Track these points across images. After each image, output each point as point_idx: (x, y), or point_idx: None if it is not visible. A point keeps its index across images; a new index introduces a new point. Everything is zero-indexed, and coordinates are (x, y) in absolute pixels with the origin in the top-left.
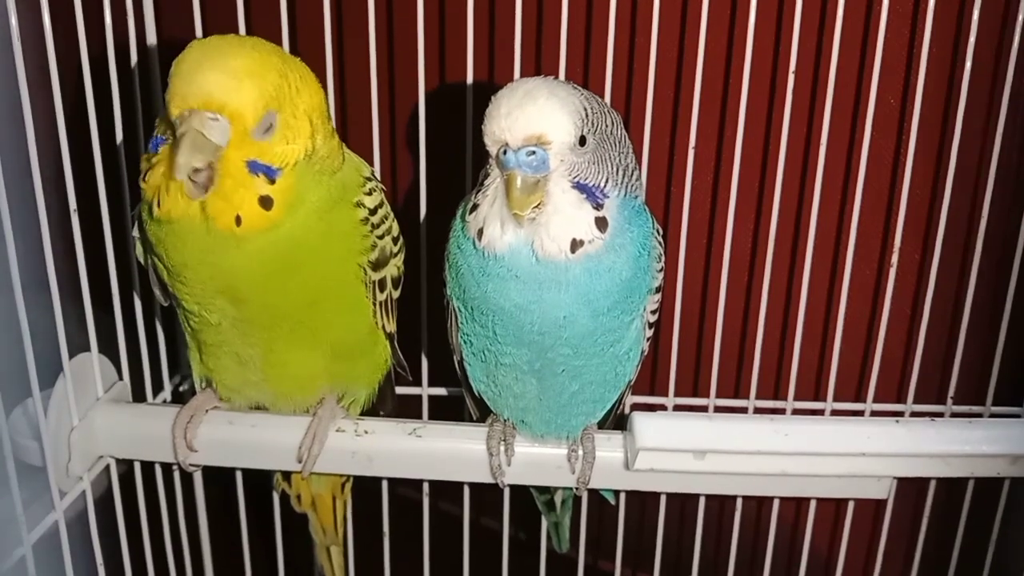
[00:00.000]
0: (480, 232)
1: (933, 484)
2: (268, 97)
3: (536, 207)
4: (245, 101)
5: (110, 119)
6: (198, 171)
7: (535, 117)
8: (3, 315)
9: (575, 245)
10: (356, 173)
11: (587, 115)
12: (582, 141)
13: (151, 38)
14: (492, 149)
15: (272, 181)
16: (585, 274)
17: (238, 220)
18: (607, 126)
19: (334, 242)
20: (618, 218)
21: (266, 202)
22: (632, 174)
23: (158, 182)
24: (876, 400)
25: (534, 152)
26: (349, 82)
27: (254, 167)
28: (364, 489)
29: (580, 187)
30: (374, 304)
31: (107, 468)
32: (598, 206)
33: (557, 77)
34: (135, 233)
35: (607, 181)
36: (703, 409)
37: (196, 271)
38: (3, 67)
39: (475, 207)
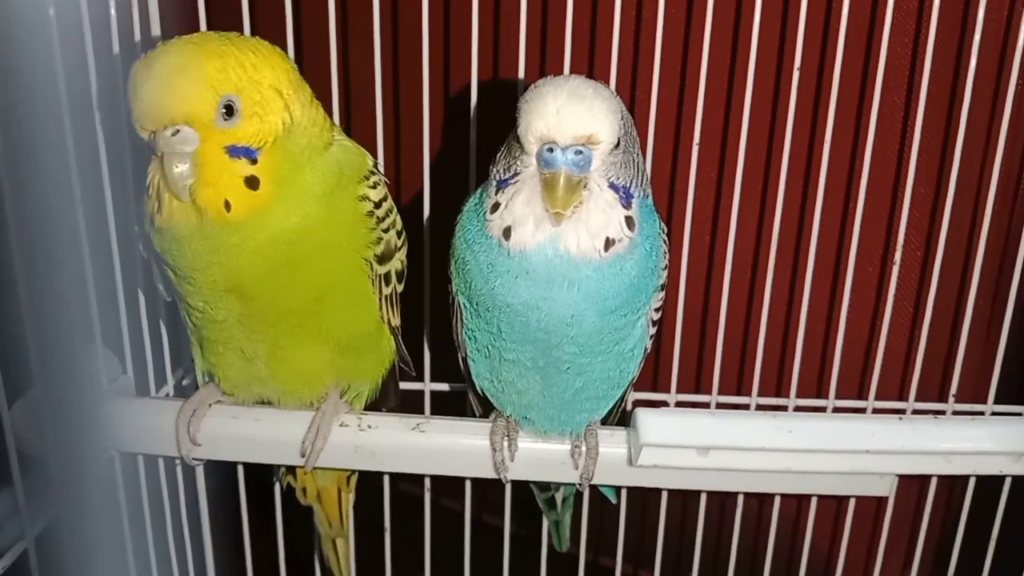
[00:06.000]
0: (507, 231)
1: (934, 482)
2: (215, 83)
3: (575, 206)
4: (190, 100)
5: (116, 111)
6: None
7: (586, 117)
8: (6, 309)
9: (608, 244)
10: (359, 161)
11: (623, 116)
12: (618, 142)
13: (155, 33)
14: (533, 147)
15: (254, 161)
16: (598, 273)
17: (228, 205)
18: (630, 126)
19: (338, 233)
20: (640, 217)
21: (252, 182)
22: (645, 173)
23: (154, 195)
24: (878, 398)
25: (580, 152)
26: (354, 78)
27: (234, 151)
28: (365, 485)
29: (613, 187)
30: (380, 298)
31: (111, 461)
32: (627, 205)
33: (572, 74)
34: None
35: (632, 181)
36: (705, 406)
37: (205, 272)
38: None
39: (496, 206)
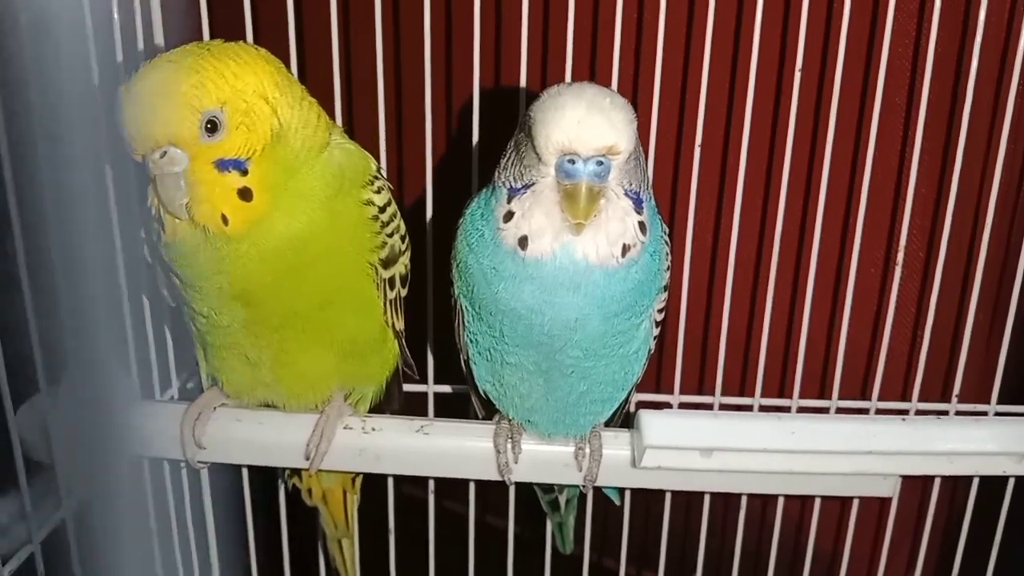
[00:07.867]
0: (523, 240)
1: (938, 482)
2: (193, 101)
3: (594, 216)
4: (170, 122)
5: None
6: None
7: (606, 128)
8: (10, 312)
9: (624, 250)
10: (362, 164)
11: (637, 123)
12: (632, 150)
13: (158, 41)
14: (552, 158)
15: (245, 172)
16: (607, 278)
17: (225, 219)
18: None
19: (343, 237)
20: (648, 221)
21: (245, 193)
22: (648, 176)
23: (156, 215)
24: (881, 399)
25: (601, 162)
26: (356, 82)
27: (222, 165)
28: (370, 486)
29: (628, 194)
30: (384, 303)
31: (139, 463)
32: (639, 211)
33: (582, 79)
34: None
35: (641, 185)
36: (708, 407)
37: (211, 281)
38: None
39: (510, 215)
